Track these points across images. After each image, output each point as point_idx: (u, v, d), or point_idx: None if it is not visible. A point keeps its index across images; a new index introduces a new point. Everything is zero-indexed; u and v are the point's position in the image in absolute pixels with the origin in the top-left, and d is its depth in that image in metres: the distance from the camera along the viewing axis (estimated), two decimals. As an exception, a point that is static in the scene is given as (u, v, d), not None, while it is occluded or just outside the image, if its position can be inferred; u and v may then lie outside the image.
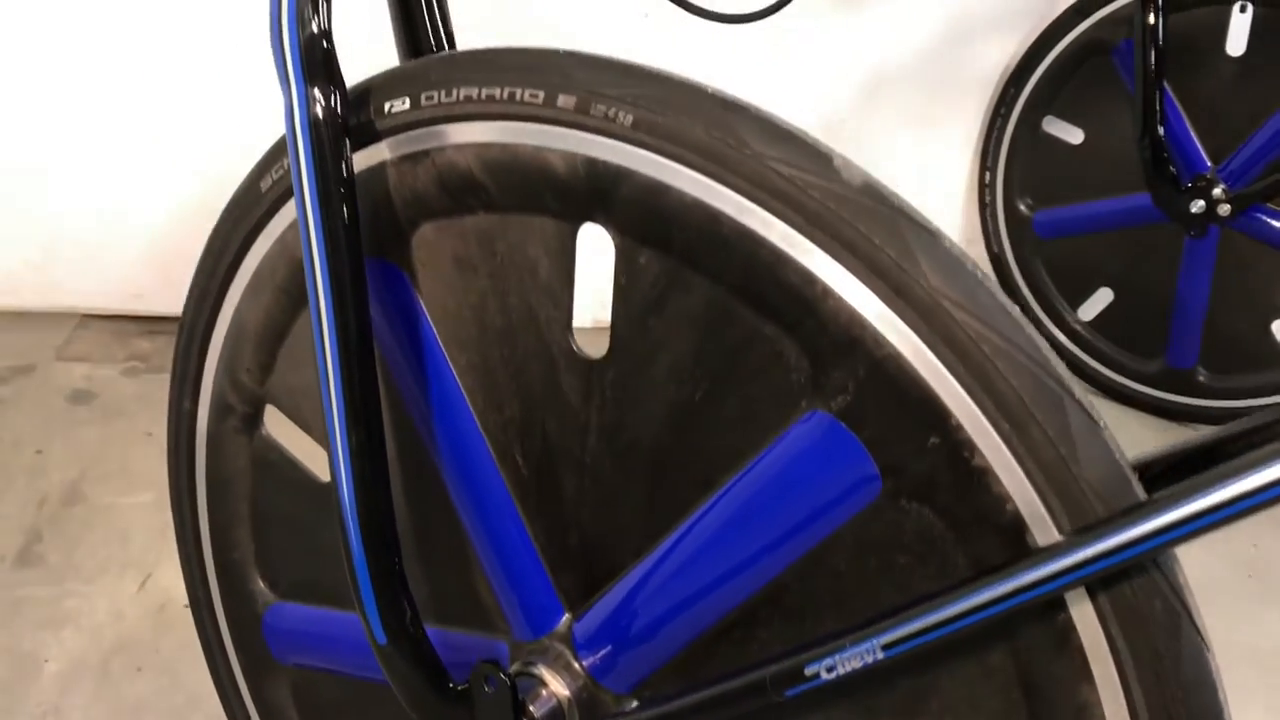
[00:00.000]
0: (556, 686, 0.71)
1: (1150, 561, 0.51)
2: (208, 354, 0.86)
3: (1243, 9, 1.70)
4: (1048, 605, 0.54)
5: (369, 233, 0.71)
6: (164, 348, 1.97)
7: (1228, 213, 1.72)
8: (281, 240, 0.78)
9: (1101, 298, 1.96)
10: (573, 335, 0.68)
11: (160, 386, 1.84)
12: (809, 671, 0.58)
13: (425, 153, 0.69)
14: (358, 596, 0.70)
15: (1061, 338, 1.99)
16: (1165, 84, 1.68)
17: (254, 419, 0.86)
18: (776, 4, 1.18)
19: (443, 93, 0.67)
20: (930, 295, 0.54)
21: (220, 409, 0.86)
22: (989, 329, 0.53)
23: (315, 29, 0.66)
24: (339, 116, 0.67)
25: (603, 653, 0.71)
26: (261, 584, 0.90)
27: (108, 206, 1.95)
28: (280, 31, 0.67)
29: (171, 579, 1.46)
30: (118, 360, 1.94)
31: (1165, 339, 1.88)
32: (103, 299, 2.04)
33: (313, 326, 0.68)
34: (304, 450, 0.84)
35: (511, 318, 0.70)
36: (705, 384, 0.63)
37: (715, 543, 0.65)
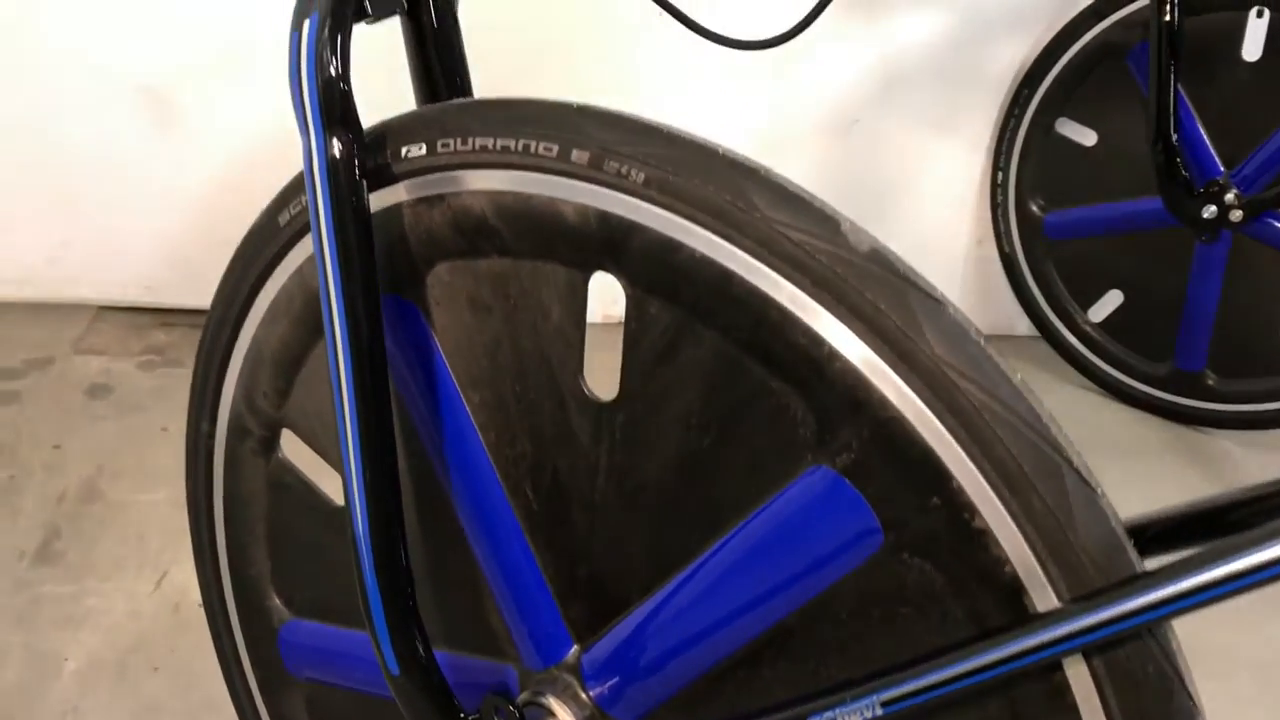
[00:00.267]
0: (565, 716, 0.73)
1: (1146, 630, 0.53)
2: (225, 377, 0.87)
3: (1259, 14, 1.68)
4: (1045, 666, 0.56)
5: (385, 270, 0.73)
6: (179, 340, 1.99)
7: (1240, 218, 1.71)
8: (299, 273, 0.79)
9: (1111, 300, 1.96)
10: (584, 378, 0.70)
11: (176, 381, 1.88)
12: (811, 724, 0.60)
13: (440, 196, 0.70)
14: (371, 628, 0.72)
15: (1071, 339, 1.99)
16: (1180, 88, 1.66)
17: (271, 442, 0.87)
18: (802, 24, 1.19)
19: (459, 140, 0.68)
20: (934, 362, 0.55)
21: (238, 431, 0.88)
22: (991, 397, 0.54)
23: (333, 73, 0.68)
24: (356, 160, 0.69)
25: (610, 684, 0.73)
26: (277, 600, 0.93)
27: (123, 199, 1.96)
28: (299, 78, 0.68)
29: (186, 577, 1.48)
30: (134, 353, 1.96)
31: (1174, 342, 1.88)
32: (119, 290, 2.06)
33: (329, 360, 0.69)
34: (319, 473, 0.86)
35: (524, 358, 0.71)
36: (713, 432, 0.64)
37: (720, 586, 0.66)
